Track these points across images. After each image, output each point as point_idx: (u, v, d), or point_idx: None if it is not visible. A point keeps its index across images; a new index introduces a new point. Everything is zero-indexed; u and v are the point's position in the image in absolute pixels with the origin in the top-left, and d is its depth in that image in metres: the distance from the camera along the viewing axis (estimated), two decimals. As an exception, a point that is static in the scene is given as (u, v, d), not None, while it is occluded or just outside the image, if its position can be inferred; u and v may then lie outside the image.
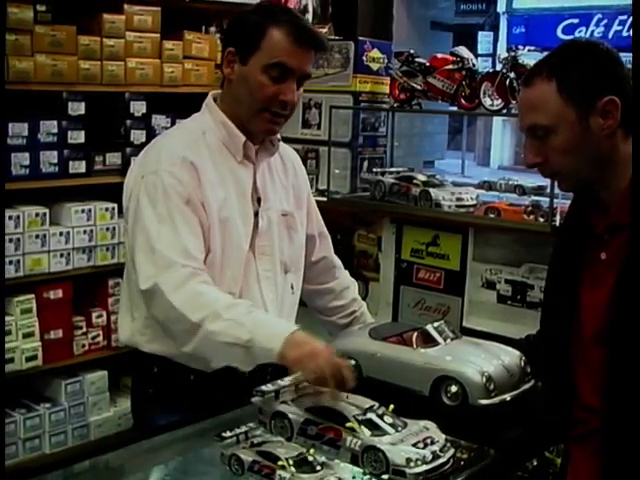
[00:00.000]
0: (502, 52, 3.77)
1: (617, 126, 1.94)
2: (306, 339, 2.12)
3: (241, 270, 2.43)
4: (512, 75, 3.62)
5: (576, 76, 1.94)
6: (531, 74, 2.01)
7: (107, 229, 3.94)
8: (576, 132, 1.94)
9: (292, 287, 2.61)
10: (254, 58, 2.35)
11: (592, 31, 13.74)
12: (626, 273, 1.91)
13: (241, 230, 2.43)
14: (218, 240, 2.39)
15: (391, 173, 4.08)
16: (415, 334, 2.28)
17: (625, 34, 12.48)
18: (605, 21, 13.52)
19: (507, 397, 2.13)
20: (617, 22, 13.21)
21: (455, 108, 3.96)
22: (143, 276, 2.29)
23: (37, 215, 3.77)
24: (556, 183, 2.36)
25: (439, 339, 2.26)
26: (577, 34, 13.78)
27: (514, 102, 3.63)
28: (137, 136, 4.06)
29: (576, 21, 13.84)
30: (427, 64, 4.00)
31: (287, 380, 2.10)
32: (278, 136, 2.56)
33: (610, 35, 13.32)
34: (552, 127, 1.95)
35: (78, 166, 3.89)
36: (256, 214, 2.48)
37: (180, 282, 2.24)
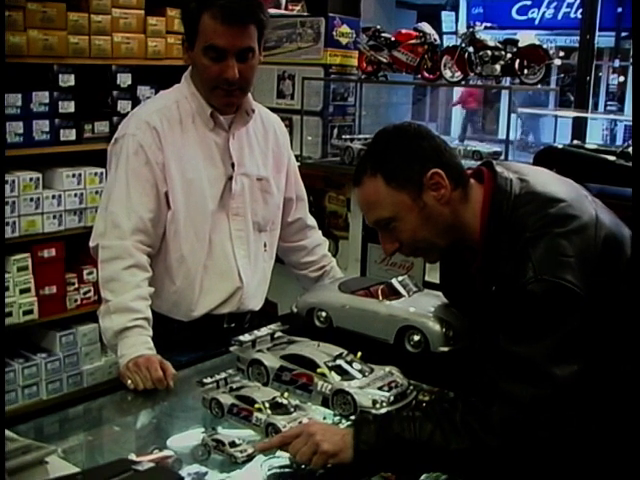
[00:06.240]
0: (462, 29, 3.73)
1: (451, 192, 1.89)
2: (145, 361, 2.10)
3: (206, 228, 2.41)
4: (470, 49, 3.58)
5: (396, 164, 1.87)
6: (358, 174, 1.93)
7: (96, 192, 3.87)
8: (416, 212, 1.87)
9: (265, 245, 2.59)
10: (197, 44, 2.33)
11: (543, 12, 13.69)
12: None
13: (207, 192, 2.41)
14: (182, 199, 2.37)
15: (359, 140, 4.05)
16: (381, 287, 2.28)
17: (572, 15, 12.44)
18: (555, 3, 13.47)
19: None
20: (565, 4, 13.16)
21: (418, 80, 3.92)
22: (94, 233, 2.37)
23: (31, 180, 3.73)
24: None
25: (403, 292, 2.25)
26: (530, 15, 13.74)
27: (472, 74, 3.60)
28: (123, 106, 4.01)
29: (529, 3, 13.77)
30: (392, 39, 3.96)
31: (263, 330, 2.10)
32: (253, 106, 2.52)
33: (559, 16, 13.28)
34: (394, 216, 1.88)
35: (69, 134, 3.86)
36: (230, 178, 2.45)
37: (111, 257, 2.28)
